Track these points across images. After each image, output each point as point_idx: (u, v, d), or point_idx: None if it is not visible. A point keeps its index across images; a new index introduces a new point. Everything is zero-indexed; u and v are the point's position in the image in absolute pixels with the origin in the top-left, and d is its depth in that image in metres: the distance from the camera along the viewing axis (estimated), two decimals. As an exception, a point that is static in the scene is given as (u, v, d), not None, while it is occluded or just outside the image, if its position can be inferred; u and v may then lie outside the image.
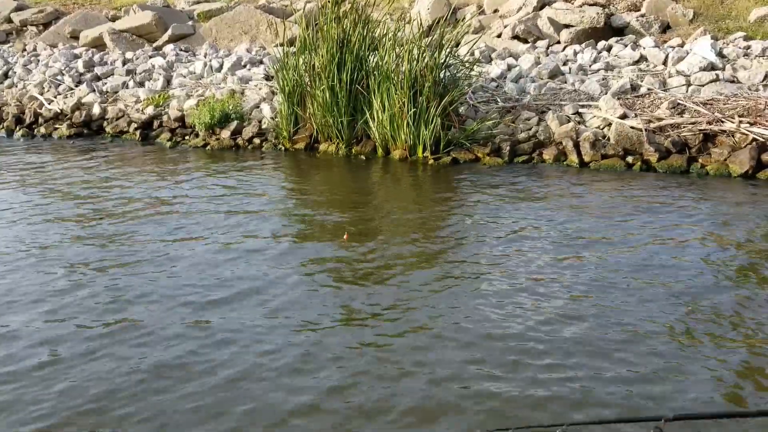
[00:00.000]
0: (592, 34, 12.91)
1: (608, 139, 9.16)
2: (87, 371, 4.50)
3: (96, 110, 12.50)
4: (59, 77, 13.95)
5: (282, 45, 11.17)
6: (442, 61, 9.73)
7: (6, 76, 15.15)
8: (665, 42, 12.15)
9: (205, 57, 14.61)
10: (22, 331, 5.04)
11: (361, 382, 4.30)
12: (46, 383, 4.37)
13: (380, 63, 9.89)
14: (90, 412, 4.07)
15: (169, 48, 15.66)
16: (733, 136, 8.74)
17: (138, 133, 11.77)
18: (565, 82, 10.79)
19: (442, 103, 9.38)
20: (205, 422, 3.95)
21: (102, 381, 4.37)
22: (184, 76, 13.25)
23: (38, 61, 15.75)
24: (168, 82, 13.06)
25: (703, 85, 9.92)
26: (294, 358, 4.59)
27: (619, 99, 9.68)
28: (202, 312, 5.26)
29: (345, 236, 6.65)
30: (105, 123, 12.39)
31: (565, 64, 11.59)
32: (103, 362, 4.60)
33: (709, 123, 8.92)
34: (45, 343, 4.86)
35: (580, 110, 9.70)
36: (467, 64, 10.45)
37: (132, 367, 4.52)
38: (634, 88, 10.16)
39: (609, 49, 12.08)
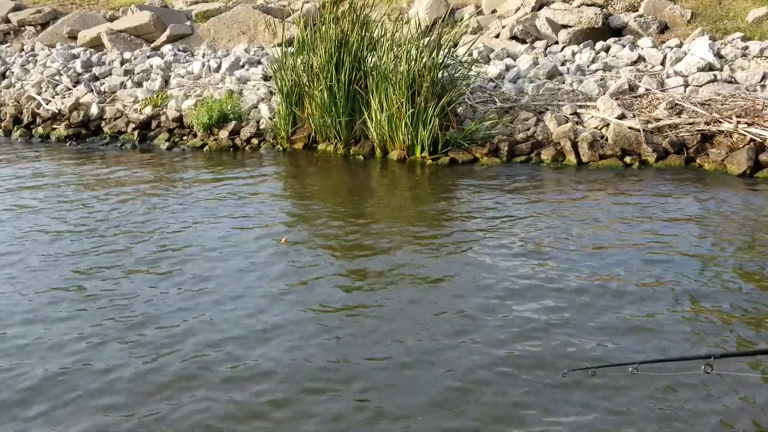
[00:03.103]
0: (590, 35, 12.92)
1: (606, 139, 9.17)
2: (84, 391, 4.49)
3: (94, 110, 12.49)
4: (57, 77, 13.93)
5: (280, 45, 11.17)
6: (441, 61, 9.73)
7: (4, 76, 15.12)
8: (663, 42, 12.16)
9: (203, 57, 14.60)
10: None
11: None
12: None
13: (378, 63, 9.89)
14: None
15: (167, 48, 15.64)
16: (730, 136, 8.76)
17: (136, 133, 11.76)
18: (563, 83, 10.79)
19: (441, 103, 9.39)
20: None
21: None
22: (182, 77, 13.24)
23: (36, 61, 15.72)
24: (166, 82, 13.06)
25: (701, 86, 9.93)
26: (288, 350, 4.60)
27: (617, 99, 9.68)
28: (196, 310, 5.27)
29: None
30: (103, 123, 12.38)
31: (563, 64, 11.60)
32: (106, 381, 4.60)
33: (706, 123, 8.94)
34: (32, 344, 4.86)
35: (578, 110, 9.71)
36: (465, 65, 10.45)
37: (135, 369, 4.53)
38: (632, 88, 10.17)
39: (607, 49, 12.09)
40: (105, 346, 4.80)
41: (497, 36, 13.77)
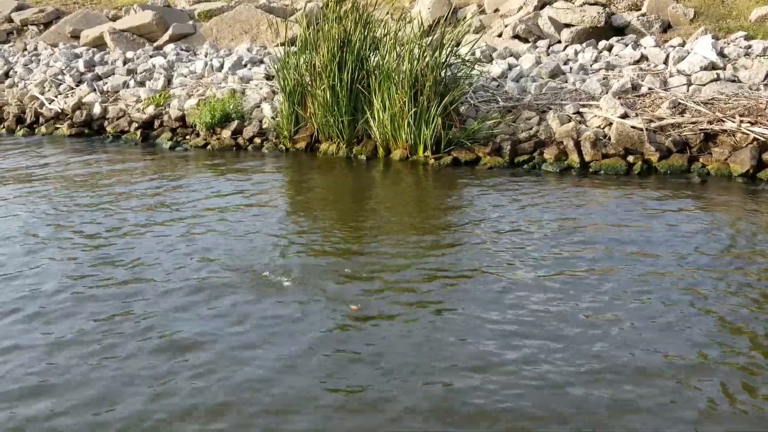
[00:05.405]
0: (593, 34, 12.91)
1: (609, 138, 9.16)
2: (80, 381, 4.51)
3: (97, 110, 12.51)
4: (60, 77, 13.96)
5: (283, 44, 11.17)
6: (443, 60, 9.73)
7: (7, 75, 15.17)
8: (666, 41, 12.15)
9: (205, 56, 14.62)
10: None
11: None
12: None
13: (381, 62, 9.89)
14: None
15: (169, 47, 15.67)
16: (733, 135, 8.74)
17: (139, 132, 11.78)
18: (566, 82, 10.79)
19: (443, 102, 9.39)
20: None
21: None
22: (185, 76, 13.25)
23: (39, 60, 15.76)
24: (169, 81, 13.07)
25: (703, 85, 9.91)
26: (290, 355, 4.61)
27: (619, 98, 9.67)
28: (195, 311, 5.29)
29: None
30: (106, 122, 12.40)
31: (565, 63, 11.59)
32: (102, 375, 4.62)
33: (709, 122, 8.92)
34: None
35: (581, 110, 9.70)
36: (468, 64, 10.44)
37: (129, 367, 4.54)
38: (635, 87, 10.16)
39: (610, 48, 12.08)
40: (109, 342, 4.83)
41: (500, 35, 13.76)
